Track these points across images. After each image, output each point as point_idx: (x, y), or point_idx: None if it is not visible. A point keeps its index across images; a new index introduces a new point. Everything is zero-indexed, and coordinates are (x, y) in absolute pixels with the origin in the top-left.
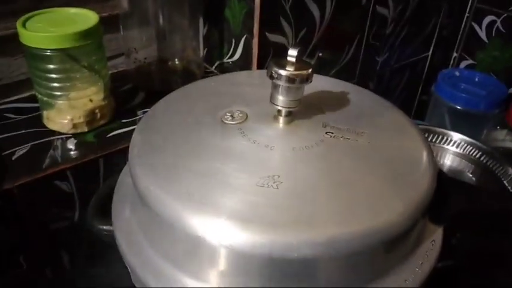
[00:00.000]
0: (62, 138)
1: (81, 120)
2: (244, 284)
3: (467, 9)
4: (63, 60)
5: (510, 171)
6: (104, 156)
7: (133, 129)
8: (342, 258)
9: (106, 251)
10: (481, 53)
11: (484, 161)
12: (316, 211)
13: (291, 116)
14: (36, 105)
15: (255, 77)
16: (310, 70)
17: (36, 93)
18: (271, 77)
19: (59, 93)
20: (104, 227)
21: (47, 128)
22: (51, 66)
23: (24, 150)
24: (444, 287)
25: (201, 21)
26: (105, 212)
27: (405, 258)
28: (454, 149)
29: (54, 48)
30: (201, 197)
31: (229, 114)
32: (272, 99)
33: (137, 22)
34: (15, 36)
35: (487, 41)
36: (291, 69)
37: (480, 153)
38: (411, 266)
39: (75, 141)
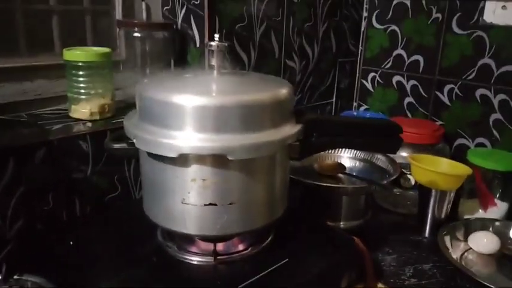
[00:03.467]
0: (82, 122)
1: (96, 110)
2: (200, 124)
3: (357, 71)
4: (88, 69)
5: None
6: (110, 129)
7: None
8: (244, 108)
9: None
10: (370, 99)
11: None
12: (234, 91)
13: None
14: (64, 111)
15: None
16: (226, 44)
17: (68, 93)
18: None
19: (83, 91)
20: (117, 145)
21: (72, 117)
22: (81, 72)
23: (59, 126)
24: None
25: (172, 66)
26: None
27: (283, 124)
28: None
29: (83, 61)
30: (176, 91)
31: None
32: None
33: (130, 68)
34: (54, 66)
35: (373, 91)
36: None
37: None
38: (287, 129)
39: (91, 123)
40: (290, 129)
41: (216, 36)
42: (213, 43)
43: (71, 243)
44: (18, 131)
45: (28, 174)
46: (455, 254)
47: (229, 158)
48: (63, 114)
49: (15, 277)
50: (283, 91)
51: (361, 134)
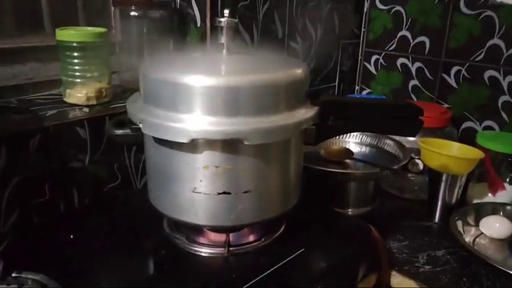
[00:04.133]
0: (78, 107)
1: (93, 95)
2: (211, 107)
3: (360, 53)
4: (83, 50)
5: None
6: (109, 115)
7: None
8: (258, 89)
9: None
10: (373, 83)
11: None
12: (246, 70)
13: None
14: (59, 97)
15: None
16: (236, 20)
17: (62, 77)
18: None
19: (78, 74)
20: (119, 131)
21: (67, 103)
22: (75, 53)
23: (54, 111)
24: None
25: (171, 47)
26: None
27: (299, 107)
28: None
29: (78, 41)
30: (186, 71)
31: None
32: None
33: (126, 50)
34: (45, 47)
35: (376, 74)
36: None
37: None
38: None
39: (88, 108)
40: (306, 112)
41: (226, 11)
42: (222, 19)
43: (71, 236)
44: (9, 117)
45: (22, 164)
46: (467, 239)
47: (246, 143)
48: (57, 99)
49: (13, 275)
50: (299, 71)
51: (380, 116)
